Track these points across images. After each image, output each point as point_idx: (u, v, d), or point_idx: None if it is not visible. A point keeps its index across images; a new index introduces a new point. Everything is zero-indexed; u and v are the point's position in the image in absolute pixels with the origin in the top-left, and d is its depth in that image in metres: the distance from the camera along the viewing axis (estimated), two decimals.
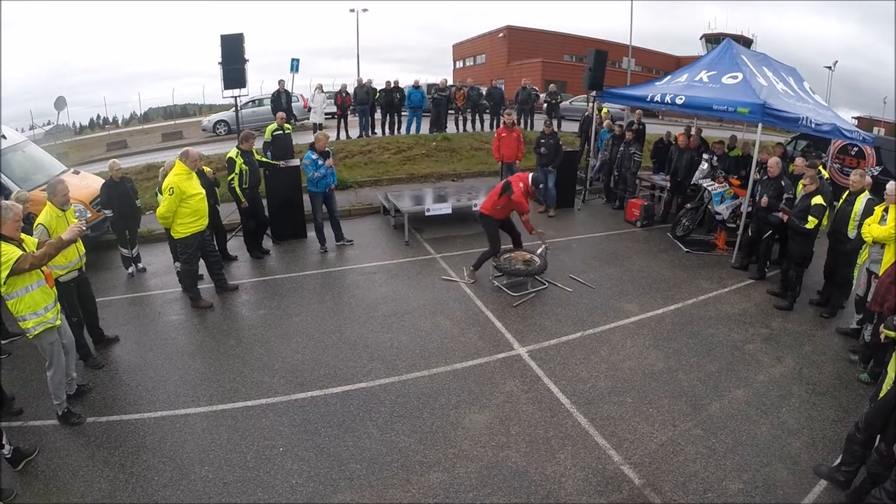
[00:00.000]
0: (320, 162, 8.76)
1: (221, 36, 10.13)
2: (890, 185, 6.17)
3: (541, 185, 7.74)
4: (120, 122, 35.20)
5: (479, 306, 7.23)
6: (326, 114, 18.18)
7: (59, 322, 4.83)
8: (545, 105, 18.47)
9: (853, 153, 12.45)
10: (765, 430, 4.89)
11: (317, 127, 17.07)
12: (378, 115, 17.81)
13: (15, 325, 4.97)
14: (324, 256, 9.11)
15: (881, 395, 3.95)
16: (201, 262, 7.43)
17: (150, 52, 75.31)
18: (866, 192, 6.76)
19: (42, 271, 4.67)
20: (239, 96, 10.77)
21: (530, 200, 7.78)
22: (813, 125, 8.75)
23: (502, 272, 7.71)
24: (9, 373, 5.65)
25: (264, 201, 9.42)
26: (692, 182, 10.03)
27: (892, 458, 3.78)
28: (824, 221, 7.09)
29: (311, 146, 9.05)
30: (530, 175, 7.68)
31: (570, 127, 18.16)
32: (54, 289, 4.84)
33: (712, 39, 43.46)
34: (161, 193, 7.13)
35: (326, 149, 9.04)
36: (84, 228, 4.96)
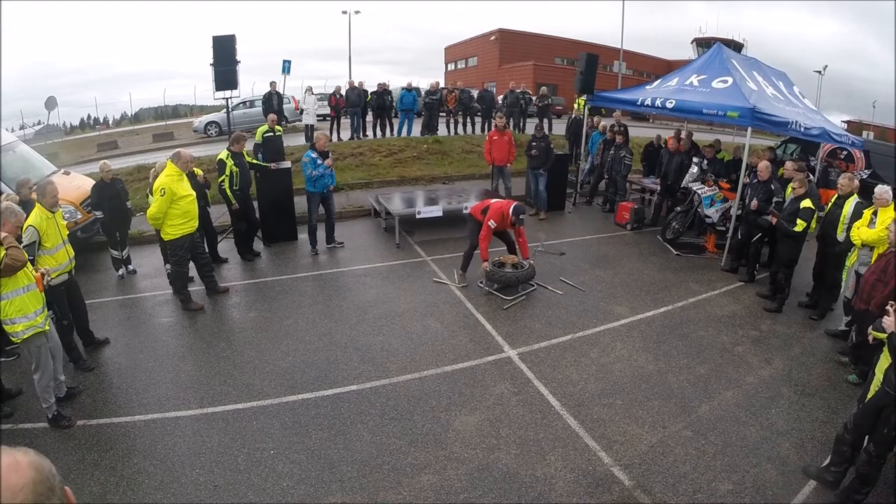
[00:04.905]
0: (319, 161, 8.77)
1: (213, 37, 10.11)
2: (878, 189, 6.26)
3: (521, 216, 7.60)
4: (111, 122, 35.04)
5: (470, 309, 7.25)
6: (318, 115, 18.18)
7: (47, 327, 4.80)
8: (536, 108, 18.54)
9: (842, 157, 12.56)
10: (754, 432, 4.92)
11: (309, 128, 17.08)
12: (369, 118, 17.82)
13: None
14: (314, 259, 9.09)
15: (869, 396, 3.99)
16: (191, 265, 7.40)
17: (139, 53, 75.10)
18: (855, 195, 6.83)
19: (33, 275, 4.65)
20: (230, 98, 10.74)
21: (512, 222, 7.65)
22: (802, 129, 8.84)
23: (492, 281, 7.72)
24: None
25: (255, 203, 9.39)
26: (682, 185, 10.09)
27: (882, 459, 3.83)
28: (813, 224, 7.16)
29: (312, 145, 9.07)
30: (513, 205, 7.56)
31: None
32: (43, 293, 4.81)
33: (703, 43, 43.79)
34: (152, 194, 7.10)
35: (326, 149, 9.04)
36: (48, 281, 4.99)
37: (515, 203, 7.60)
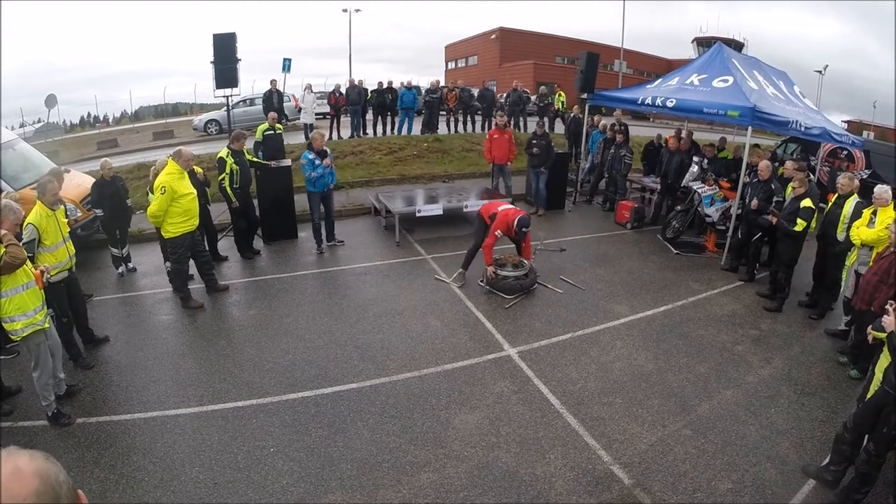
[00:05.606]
0: (317, 161, 8.72)
1: (214, 35, 10.09)
2: (878, 189, 6.26)
3: (525, 229, 7.60)
4: (111, 120, 34.97)
5: (470, 307, 7.24)
6: (317, 114, 18.17)
7: (47, 325, 4.80)
8: (536, 108, 18.55)
9: (843, 156, 12.56)
10: (754, 431, 4.93)
11: (308, 127, 17.06)
12: (370, 116, 17.80)
13: None
14: (314, 257, 9.09)
15: (869, 395, 3.99)
16: (191, 263, 7.39)
17: (139, 51, 74.78)
18: (855, 195, 6.83)
19: (32, 273, 4.65)
20: (230, 96, 10.72)
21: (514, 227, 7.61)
22: (802, 128, 8.84)
23: (495, 288, 7.67)
24: None
25: (255, 201, 9.38)
26: (682, 184, 10.09)
27: (881, 458, 3.83)
28: (813, 224, 7.16)
29: (309, 146, 9.03)
30: (518, 217, 7.54)
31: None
32: (43, 291, 4.81)
33: (703, 43, 43.69)
34: (153, 192, 7.09)
35: (324, 148, 8.99)
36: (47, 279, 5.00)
37: (521, 215, 7.56)
